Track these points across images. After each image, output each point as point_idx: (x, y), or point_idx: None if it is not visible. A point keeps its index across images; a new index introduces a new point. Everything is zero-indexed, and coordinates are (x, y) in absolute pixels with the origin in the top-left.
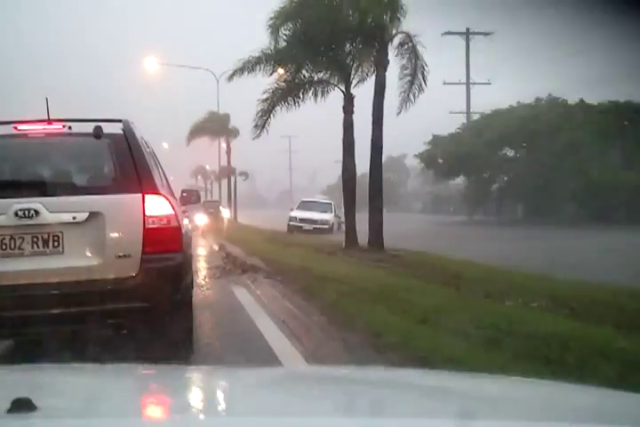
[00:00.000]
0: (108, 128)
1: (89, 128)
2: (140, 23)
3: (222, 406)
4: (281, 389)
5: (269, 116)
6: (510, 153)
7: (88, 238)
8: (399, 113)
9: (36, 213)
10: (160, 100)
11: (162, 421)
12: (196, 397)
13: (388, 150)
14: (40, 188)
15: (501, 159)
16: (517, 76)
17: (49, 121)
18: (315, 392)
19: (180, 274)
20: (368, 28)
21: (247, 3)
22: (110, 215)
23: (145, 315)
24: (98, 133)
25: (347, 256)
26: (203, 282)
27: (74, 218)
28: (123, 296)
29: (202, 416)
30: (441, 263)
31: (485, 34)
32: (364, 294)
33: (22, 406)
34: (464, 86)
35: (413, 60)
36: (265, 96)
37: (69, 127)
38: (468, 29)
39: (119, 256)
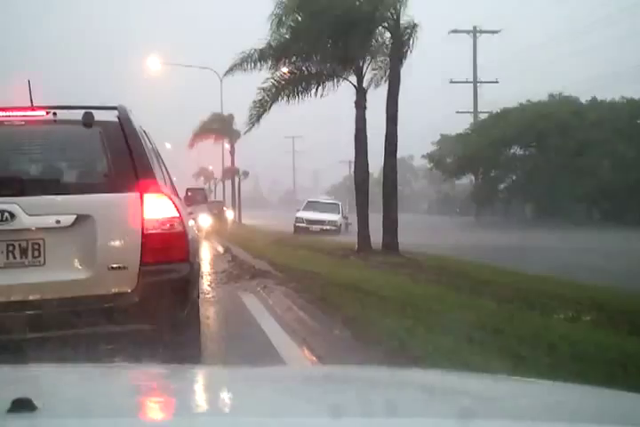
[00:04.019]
0: (100, 116)
1: (78, 116)
2: (140, 21)
3: (224, 406)
4: (282, 389)
5: (267, 109)
6: (520, 152)
7: (75, 247)
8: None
9: (12, 215)
10: (162, 100)
11: (163, 421)
12: (197, 397)
13: None
14: (17, 185)
15: (510, 158)
16: (525, 75)
17: (31, 107)
18: (316, 392)
19: (187, 288)
20: (381, 18)
21: (250, 1)
22: (102, 218)
23: (143, 338)
24: (88, 121)
25: (361, 260)
26: (208, 288)
27: (58, 222)
28: (117, 316)
29: (203, 416)
30: (463, 268)
31: (493, 32)
32: (389, 305)
33: (22, 406)
34: (471, 85)
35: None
36: (266, 85)
37: (54, 114)
38: (474, 27)
39: (113, 268)
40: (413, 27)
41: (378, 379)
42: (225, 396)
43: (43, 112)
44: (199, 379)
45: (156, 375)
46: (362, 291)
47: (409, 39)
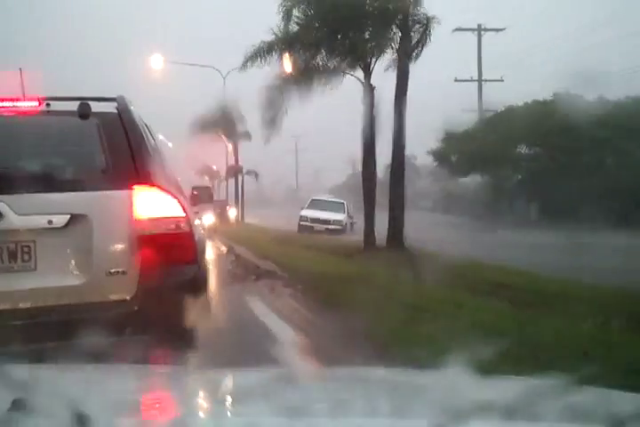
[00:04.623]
0: (98, 107)
1: (73, 107)
2: (139, 18)
3: (225, 406)
4: (283, 389)
5: (279, 109)
6: (525, 151)
7: (69, 249)
8: None
9: None
10: (164, 99)
11: (162, 421)
12: (197, 397)
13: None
14: (5, 182)
15: (516, 157)
16: (531, 73)
17: (23, 98)
18: (317, 392)
19: (193, 295)
20: (390, 12)
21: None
22: (99, 218)
23: (145, 351)
24: (84, 112)
25: (368, 260)
26: (211, 290)
27: (50, 222)
28: (115, 326)
29: (204, 417)
30: (475, 269)
31: (497, 30)
32: (405, 309)
33: (22, 406)
34: (475, 84)
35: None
36: (275, 83)
37: (47, 104)
38: (479, 26)
39: (111, 273)
40: (427, 20)
41: (379, 379)
42: (225, 397)
43: (35, 103)
44: (200, 379)
45: (156, 376)
46: (372, 294)
47: (425, 32)
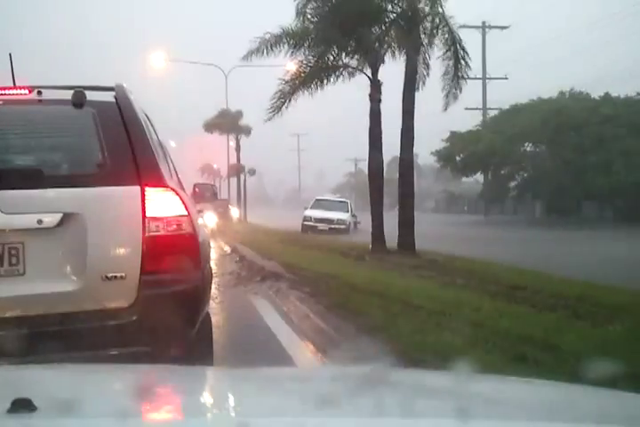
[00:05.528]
0: (95, 96)
1: (67, 96)
2: (139, 16)
3: (226, 406)
4: (284, 390)
5: (288, 100)
6: (530, 149)
7: (61, 252)
8: (446, 109)
9: None
10: (164, 98)
11: (163, 421)
12: (198, 397)
13: (396, 150)
14: None
15: (522, 156)
16: (534, 71)
17: (13, 86)
18: (320, 392)
19: (197, 302)
20: (398, 8)
21: None
22: (94, 217)
23: (145, 364)
24: (79, 101)
25: (378, 261)
26: (215, 292)
27: (40, 222)
28: (113, 337)
29: (205, 417)
30: (488, 270)
31: (502, 27)
32: (419, 314)
33: (22, 406)
34: (478, 83)
35: (451, 44)
36: (287, 77)
37: (39, 93)
38: (483, 23)
39: (107, 278)
40: (435, 17)
41: (380, 379)
42: (227, 397)
43: (25, 91)
44: (201, 380)
45: (156, 376)
46: (384, 297)
47: (437, 29)
